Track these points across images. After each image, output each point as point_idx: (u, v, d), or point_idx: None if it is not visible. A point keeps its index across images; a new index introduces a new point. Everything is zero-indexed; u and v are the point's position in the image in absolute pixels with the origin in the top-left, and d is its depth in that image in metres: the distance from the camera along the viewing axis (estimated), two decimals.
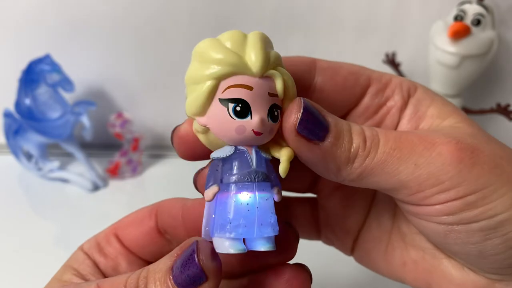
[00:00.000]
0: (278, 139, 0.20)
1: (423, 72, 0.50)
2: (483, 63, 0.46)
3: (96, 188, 0.53)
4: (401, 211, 0.24)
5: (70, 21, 0.53)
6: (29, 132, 0.52)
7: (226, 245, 0.19)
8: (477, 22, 0.44)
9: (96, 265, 0.23)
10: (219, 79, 0.19)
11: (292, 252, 0.23)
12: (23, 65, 0.51)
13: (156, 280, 0.19)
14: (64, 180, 0.54)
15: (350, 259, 0.28)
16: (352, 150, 0.20)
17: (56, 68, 0.51)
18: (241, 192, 0.19)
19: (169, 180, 0.55)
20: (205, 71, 0.19)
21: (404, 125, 0.23)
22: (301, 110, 0.19)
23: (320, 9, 0.51)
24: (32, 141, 0.53)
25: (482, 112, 0.51)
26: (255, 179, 0.19)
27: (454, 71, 0.46)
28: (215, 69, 0.19)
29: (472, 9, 0.44)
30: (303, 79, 0.22)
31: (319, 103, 0.22)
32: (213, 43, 0.19)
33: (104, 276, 0.23)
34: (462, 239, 0.20)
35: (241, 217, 0.19)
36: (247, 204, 0.19)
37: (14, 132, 0.53)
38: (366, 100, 0.24)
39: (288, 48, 0.52)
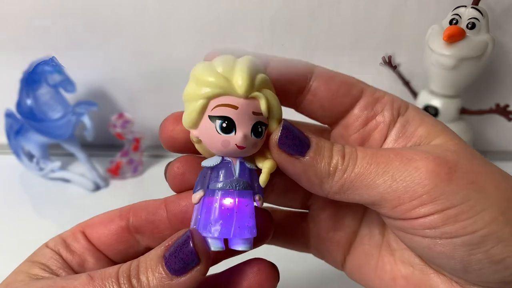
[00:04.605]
0: (265, 152, 0.23)
1: (423, 73, 0.51)
2: (479, 64, 0.47)
3: (97, 188, 0.54)
4: (388, 227, 0.25)
5: (72, 22, 0.53)
6: (30, 132, 0.52)
7: (208, 243, 0.22)
8: (472, 26, 0.45)
9: (64, 260, 0.24)
10: (209, 98, 0.21)
11: (268, 232, 0.25)
12: (24, 65, 0.51)
13: (148, 267, 0.20)
14: (66, 180, 0.54)
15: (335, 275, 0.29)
16: (332, 164, 0.21)
17: (57, 68, 0.50)
18: (224, 198, 0.22)
19: None
20: (198, 91, 0.21)
21: (390, 143, 0.24)
22: (281, 128, 0.22)
23: (318, 15, 0.52)
24: (33, 141, 0.53)
25: (481, 112, 0.51)
26: (236, 187, 0.22)
27: (451, 72, 0.47)
28: (206, 90, 0.21)
29: (467, 13, 0.45)
30: (300, 80, 0.24)
31: (311, 106, 0.24)
32: (207, 67, 0.21)
33: (74, 271, 0.23)
34: (446, 253, 0.20)
35: (221, 220, 0.22)
36: (228, 208, 0.22)
37: (15, 132, 0.53)
38: (355, 111, 0.24)
39: (287, 51, 0.53)
